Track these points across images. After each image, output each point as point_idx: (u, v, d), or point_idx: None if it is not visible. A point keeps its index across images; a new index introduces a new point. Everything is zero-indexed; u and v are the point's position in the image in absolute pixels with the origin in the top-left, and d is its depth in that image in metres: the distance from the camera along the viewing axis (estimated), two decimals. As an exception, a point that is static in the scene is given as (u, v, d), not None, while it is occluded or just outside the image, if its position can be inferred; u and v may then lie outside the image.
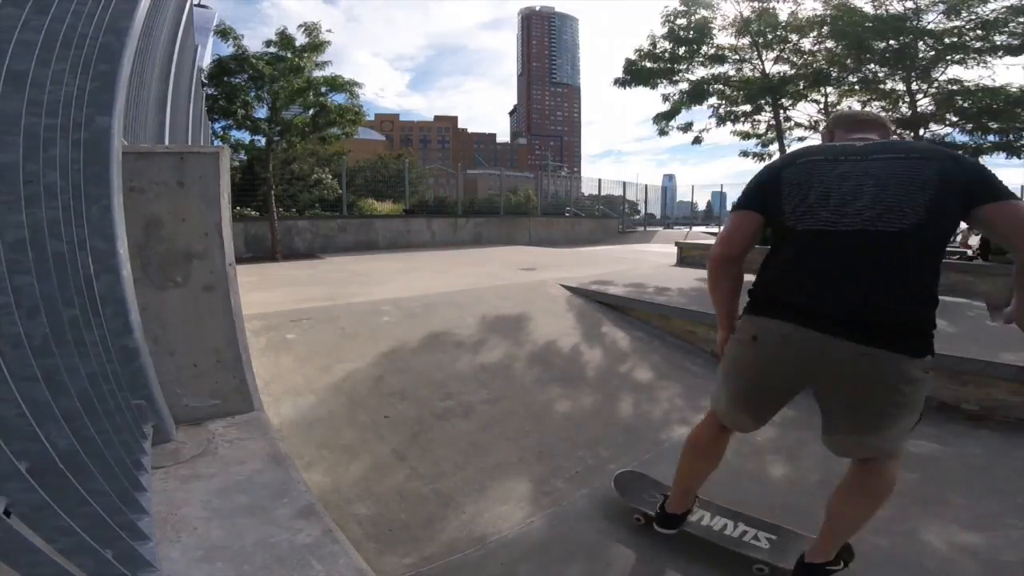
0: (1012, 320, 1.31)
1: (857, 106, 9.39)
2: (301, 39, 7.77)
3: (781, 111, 9.64)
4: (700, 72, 9.81)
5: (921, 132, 8.75)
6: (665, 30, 9.53)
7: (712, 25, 9.34)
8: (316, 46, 7.78)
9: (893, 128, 1.77)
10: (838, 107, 9.53)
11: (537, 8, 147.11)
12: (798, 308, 1.33)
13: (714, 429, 1.65)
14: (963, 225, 1.32)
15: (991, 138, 8.29)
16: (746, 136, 10.26)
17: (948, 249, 7.80)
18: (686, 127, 10.36)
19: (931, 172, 1.24)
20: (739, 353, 1.52)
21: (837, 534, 1.53)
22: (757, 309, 1.48)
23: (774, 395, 1.50)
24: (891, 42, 8.25)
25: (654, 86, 9.88)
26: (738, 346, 1.52)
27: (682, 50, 9.50)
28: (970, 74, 8.13)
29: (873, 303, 1.24)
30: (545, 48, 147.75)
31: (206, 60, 7.88)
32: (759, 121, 10.04)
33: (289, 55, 7.62)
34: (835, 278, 1.28)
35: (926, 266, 1.25)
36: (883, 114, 9.09)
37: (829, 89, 9.37)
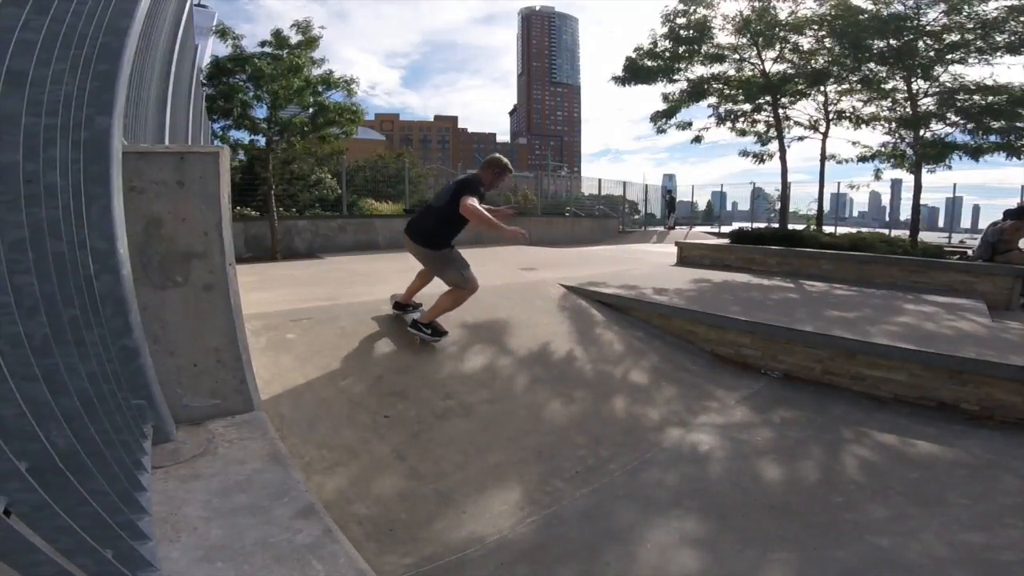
0: None
1: (858, 105, 9.38)
2: (296, 37, 7.77)
3: (781, 110, 9.63)
4: (700, 71, 9.81)
5: (922, 132, 8.74)
6: (665, 29, 9.53)
7: (712, 24, 9.33)
8: (310, 42, 7.78)
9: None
10: (838, 105, 9.53)
11: (537, 8, 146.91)
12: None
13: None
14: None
15: (992, 138, 8.27)
16: (743, 134, 10.26)
17: (947, 249, 7.71)
18: (685, 125, 10.36)
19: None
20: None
21: (434, 309, 3.33)
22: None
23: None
24: (891, 41, 8.24)
25: (652, 83, 9.87)
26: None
27: (682, 49, 9.50)
28: (972, 73, 8.08)
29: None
30: (545, 48, 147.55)
31: (206, 60, 7.88)
32: (758, 120, 10.04)
33: (285, 54, 7.62)
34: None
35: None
36: (884, 113, 9.09)
37: (829, 88, 9.36)
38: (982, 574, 1.75)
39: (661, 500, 2.24)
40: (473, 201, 2.90)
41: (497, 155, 3.38)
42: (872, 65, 8.64)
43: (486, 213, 2.89)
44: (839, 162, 9.99)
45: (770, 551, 1.89)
